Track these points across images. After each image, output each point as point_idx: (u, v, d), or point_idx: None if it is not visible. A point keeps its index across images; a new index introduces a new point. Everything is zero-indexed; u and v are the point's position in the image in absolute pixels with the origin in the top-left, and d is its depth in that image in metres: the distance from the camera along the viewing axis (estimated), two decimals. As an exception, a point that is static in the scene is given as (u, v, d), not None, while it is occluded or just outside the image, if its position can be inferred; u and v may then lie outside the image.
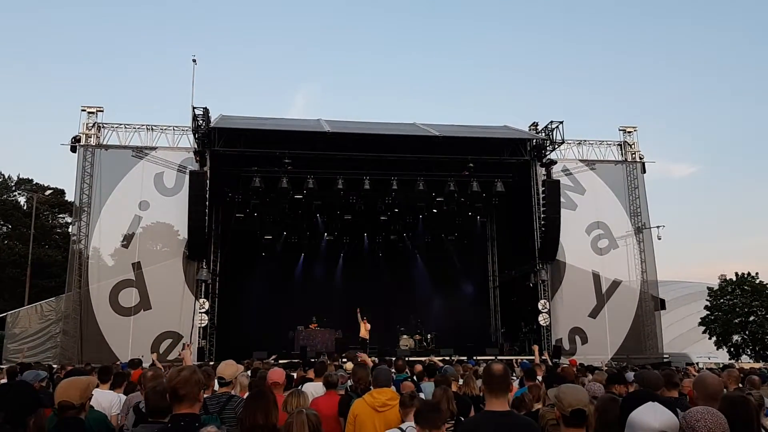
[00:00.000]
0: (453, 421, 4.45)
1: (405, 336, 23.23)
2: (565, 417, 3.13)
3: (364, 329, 21.02)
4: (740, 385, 6.40)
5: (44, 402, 2.71)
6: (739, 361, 26.94)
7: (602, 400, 3.57)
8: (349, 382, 6.89)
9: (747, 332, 29.35)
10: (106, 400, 5.75)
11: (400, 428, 4.41)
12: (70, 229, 28.80)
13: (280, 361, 11.07)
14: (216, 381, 5.45)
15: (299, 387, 6.52)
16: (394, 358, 13.45)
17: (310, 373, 7.97)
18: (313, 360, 12.86)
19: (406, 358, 15.32)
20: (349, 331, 22.19)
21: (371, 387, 5.38)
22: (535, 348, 10.78)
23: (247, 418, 3.39)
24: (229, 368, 5.32)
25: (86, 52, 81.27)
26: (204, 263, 20.52)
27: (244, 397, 4.47)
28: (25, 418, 2.29)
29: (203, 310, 19.91)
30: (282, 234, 26.75)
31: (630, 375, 7.06)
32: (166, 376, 3.93)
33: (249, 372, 7.83)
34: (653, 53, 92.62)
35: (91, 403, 4.15)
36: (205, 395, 4.80)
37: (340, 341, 21.73)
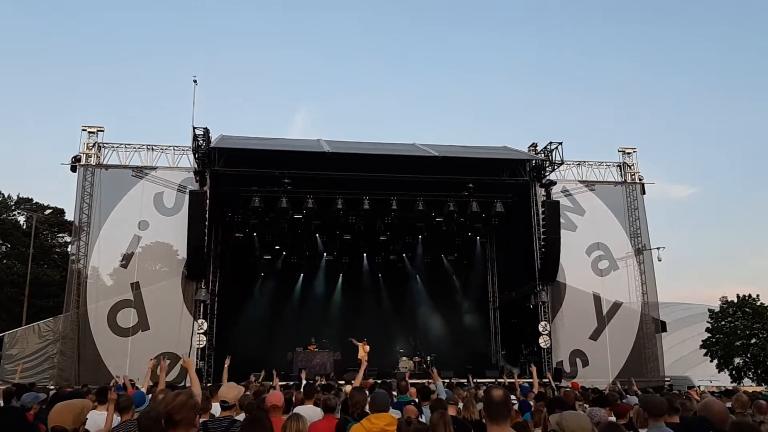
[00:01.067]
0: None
1: (404, 358, 23.06)
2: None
3: (363, 351, 20.87)
4: (749, 410, 6.32)
5: (32, 428, 2.66)
6: (741, 384, 26.72)
7: (602, 427, 3.52)
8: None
9: (749, 355, 29.13)
10: (103, 422, 5.65)
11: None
12: (69, 249, 28.76)
13: (279, 383, 10.97)
14: (219, 404, 5.40)
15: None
16: (395, 380, 13.33)
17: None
18: (310, 381, 12.72)
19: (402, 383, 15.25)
20: (348, 352, 22.04)
21: (368, 411, 5.31)
22: (533, 369, 10.65)
23: None
24: (231, 391, 5.27)
25: (87, 71, 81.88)
26: (203, 283, 20.44)
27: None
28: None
29: (201, 331, 19.79)
30: (281, 254, 26.69)
31: (633, 399, 6.98)
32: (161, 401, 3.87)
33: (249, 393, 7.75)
34: (653, 74, 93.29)
35: (86, 427, 4.09)
36: (202, 419, 4.75)
37: (339, 363, 21.58)
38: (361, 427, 5.00)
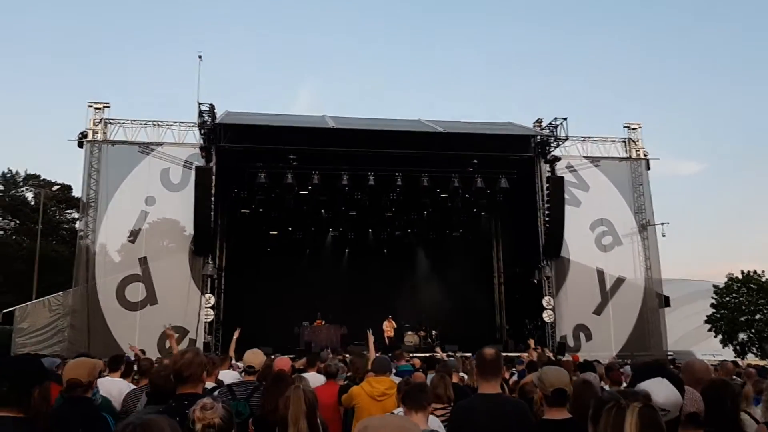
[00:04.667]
0: (450, 407, 4.53)
1: (410, 332, 23.33)
2: (547, 397, 3.23)
3: (390, 328, 21.96)
4: (734, 377, 6.48)
5: (50, 374, 2.81)
6: (745, 359, 26.88)
7: (576, 384, 3.67)
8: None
9: (753, 330, 29.27)
10: (117, 388, 5.80)
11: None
12: (77, 225, 29.03)
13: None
14: (243, 368, 5.59)
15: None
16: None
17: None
18: (316, 352, 12.97)
19: (411, 355, 15.51)
20: (354, 326, 22.31)
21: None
22: (531, 342, 10.86)
23: (269, 402, 3.50)
24: (257, 357, 5.46)
25: (93, 48, 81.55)
26: (210, 258, 20.65)
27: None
28: (30, 388, 2.38)
29: (209, 305, 20.07)
30: (287, 229, 26.88)
31: (627, 368, 7.16)
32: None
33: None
34: (660, 49, 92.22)
35: (101, 392, 4.25)
36: (208, 383, 4.93)
37: (345, 337, 21.88)
38: (362, 390, 5.18)
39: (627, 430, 1.99)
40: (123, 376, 6.38)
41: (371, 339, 8.23)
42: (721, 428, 2.88)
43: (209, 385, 5.05)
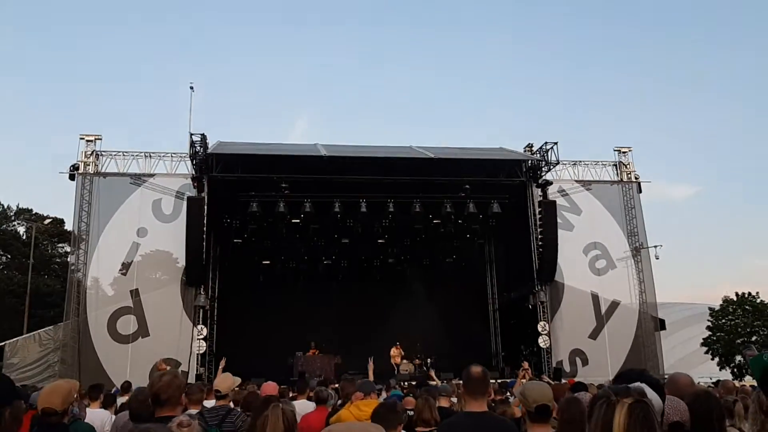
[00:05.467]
0: (434, 428, 4.46)
1: (405, 361, 23.11)
2: (530, 413, 3.18)
3: (397, 355, 21.98)
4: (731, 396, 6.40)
5: (22, 394, 2.75)
6: (742, 380, 26.69)
7: (565, 400, 3.62)
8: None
9: (760, 353, 29.09)
10: (98, 418, 5.74)
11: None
12: (69, 259, 28.88)
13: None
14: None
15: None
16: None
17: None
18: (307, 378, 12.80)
19: (405, 383, 15.33)
20: (348, 356, 22.10)
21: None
22: (525, 364, 10.78)
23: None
24: (225, 381, 5.37)
25: (84, 79, 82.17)
26: (202, 289, 20.52)
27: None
28: (1, 408, 2.32)
29: (201, 337, 19.86)
30: (280, 259, 26.76)
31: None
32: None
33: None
34: (651, 72, 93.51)
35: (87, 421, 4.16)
36: (196, 409, 4.84)
37: (339, 366, 21.65)
38: (349, 413, 5.11)
39: (616, 426, 1.94)
40: (104, 406, 6.28)
41: (371, 367, 8.15)
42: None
43: (193, 411, 4.96)
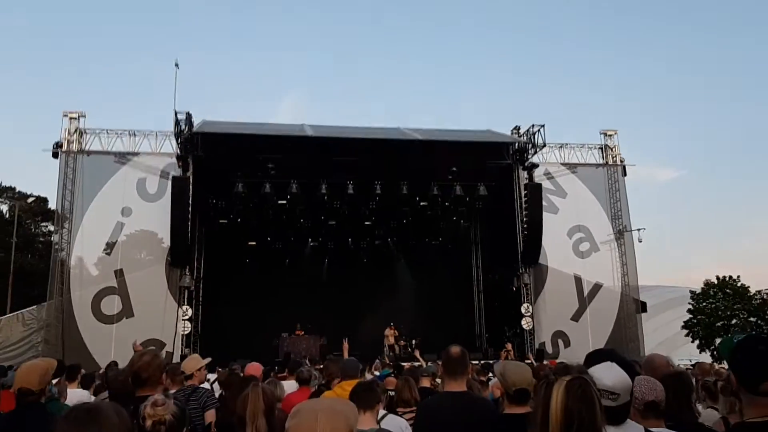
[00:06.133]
0: (414, 408, 4.52)
1: (401, 342, 23.27)
2: (509, 395, 3.22)
3: (391, 336, 22.20)
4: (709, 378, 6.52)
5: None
6: (722, 363, 27.12)
7: (541, 383, 3.67)
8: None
9: (729, 335, 29.57)
10: (76, 398, 5.74)
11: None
12: (52, 238, 28.63)
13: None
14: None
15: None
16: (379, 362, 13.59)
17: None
18: (296, 360, 12.86)
19: (391, 364, 15.45)
20: (334, 337, 22.18)
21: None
22: (508, 346, 10.93)
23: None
24: (190, 362, 5.39)
25: (68, 56, 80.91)
26: (187, 270, 20.42)
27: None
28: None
29: (186, 317, 19.83)
30: (266, 240, 26.70)
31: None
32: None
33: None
34: (637, 55, 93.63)
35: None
36: (173, 390, 4.85)
37: (324, 347, 21.74)
38: (333, 393, 5.14)
39: (553, 403, 2.01)
40: (83, 386, 6.27)
41: (346, 348, 8.22)
42: (679, 418, 2.90)
43: (172, 392, 4.96)
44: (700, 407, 4.59)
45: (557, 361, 15.65)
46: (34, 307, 20.66)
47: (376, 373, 9.21)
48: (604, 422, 2.07)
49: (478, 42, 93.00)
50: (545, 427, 2.01)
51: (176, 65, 20.39)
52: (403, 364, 12.49)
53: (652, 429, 2.63)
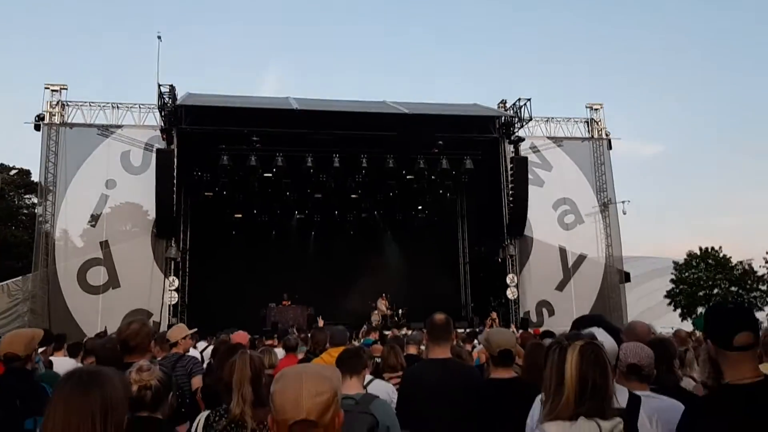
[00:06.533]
0: (401, 373, 4.62)
1: (376, 312, 23.47)
2: (493, 357, 3.31)
3: (383, 305, 22.34)
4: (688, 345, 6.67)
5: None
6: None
7: (530, 346, 3.78)
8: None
9: (711, 304, 30.16)
10: (63, 367, 5.78)
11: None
12: (36, 210, 28.40)
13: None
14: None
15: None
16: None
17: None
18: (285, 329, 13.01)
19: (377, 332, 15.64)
20: (321, 307, 22.35)
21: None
22: (494, 315, 11.13)
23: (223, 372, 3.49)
24: (175, 331, 5.46)
25: (49, 28, 79.29)
26: (173, 241, 20.41)
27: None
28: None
29: (173, 288, 19.88)
30: (252, 212, 26.68)
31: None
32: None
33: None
34: (624, 30, 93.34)
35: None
36: (160, 357, 4.92)
37: (311, 317, 21.91)
38: (321, 360, 5.23)
39: (568, 367, 2.06)
40: (70, 355, 6.32)
41: (321, 323, 8.35)
42: (662, 383, 3.00)
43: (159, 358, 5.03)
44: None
45: (541, 329, 15.89)
46: (19, 278, 20.59)
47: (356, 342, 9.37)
48: (614, 385, 2.15)
49: (464, 15, 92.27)
50: (560, 390, 2.08)
51: (159, 38, 20.11)
52: (386, 333, 12.66)
53: (635, 391, 2.72)
